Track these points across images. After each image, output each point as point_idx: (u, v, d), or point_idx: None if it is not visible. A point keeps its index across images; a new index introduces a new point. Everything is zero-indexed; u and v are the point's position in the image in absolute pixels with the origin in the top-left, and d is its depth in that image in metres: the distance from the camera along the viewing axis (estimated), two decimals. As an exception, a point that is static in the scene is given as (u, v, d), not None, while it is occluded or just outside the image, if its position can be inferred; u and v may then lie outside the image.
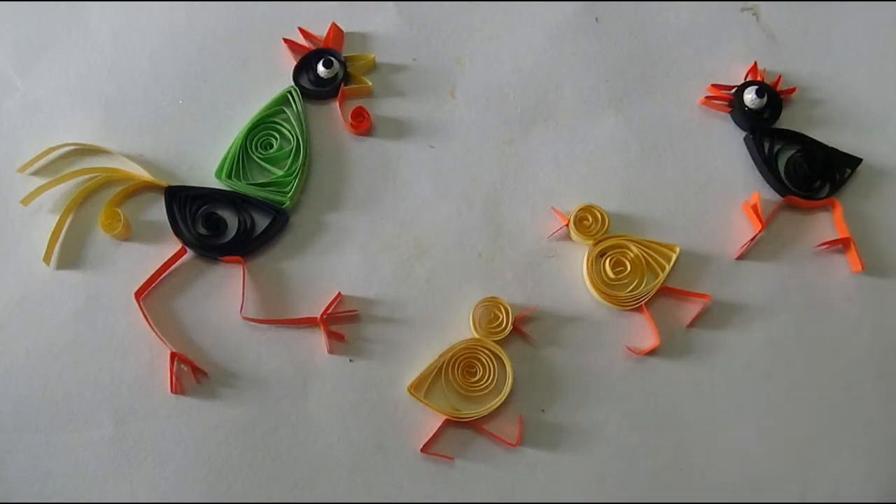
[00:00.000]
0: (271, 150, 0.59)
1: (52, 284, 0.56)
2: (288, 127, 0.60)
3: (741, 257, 0.58)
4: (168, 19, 0.64)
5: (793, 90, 0.62)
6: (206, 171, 0.59)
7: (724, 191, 0.60)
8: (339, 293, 0.56)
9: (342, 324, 0.55)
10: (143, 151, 0.59)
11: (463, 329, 0.56)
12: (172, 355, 0.53)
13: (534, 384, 0.55)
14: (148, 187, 0.58)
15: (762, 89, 0.60)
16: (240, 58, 0.63)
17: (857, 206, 0.60)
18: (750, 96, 0.60)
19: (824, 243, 0.58)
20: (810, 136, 0.61)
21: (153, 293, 0.56)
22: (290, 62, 0.62)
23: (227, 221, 0.57)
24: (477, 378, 0.54)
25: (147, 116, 0.61)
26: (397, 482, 0.52)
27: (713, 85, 0.62)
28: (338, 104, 0.61)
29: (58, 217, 0.56)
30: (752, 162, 0.61)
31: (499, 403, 0.53)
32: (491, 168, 0.60)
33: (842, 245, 0.58)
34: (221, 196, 0.58)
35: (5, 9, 0.64)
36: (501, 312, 0.55)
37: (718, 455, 0.54)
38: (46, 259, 0.56)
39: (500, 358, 0.54)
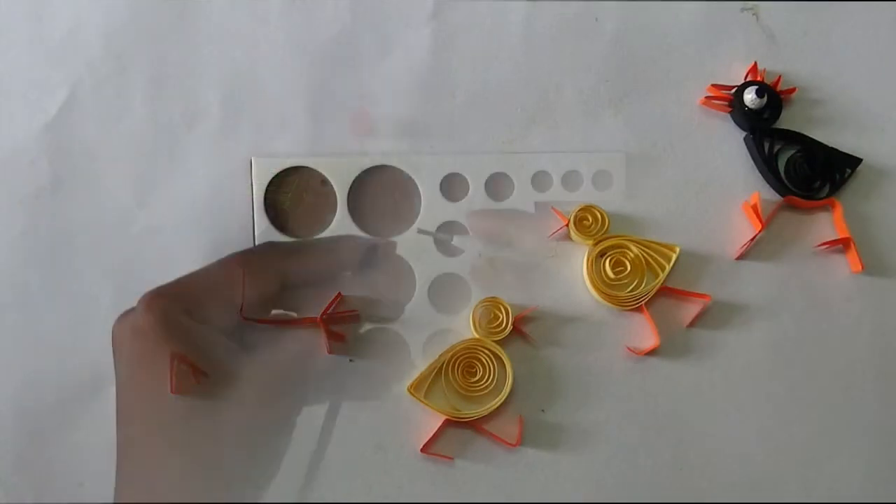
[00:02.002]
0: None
1: (52, 284, 0.56)
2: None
3: (741, 257, 0.58)
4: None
5: (793, 90, 0.62)
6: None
7: (724, 191, 0.60)
8: (339, 293, 0.56)
9: (342, 324, 0.55)
10: None
11: (463, 329, 0.56)
12: (172, 355, 0.53)
13: (534, 384, 0.55)
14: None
15: (762, 89, 0.60)
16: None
17: (857, 206, 0.60)
18: (750, 96, 0.60)
19: (824, 243, 0.58)
20: (810, 136, 0.61)
21: (153, 293, 0.56)
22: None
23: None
24: (477, 378, 0.54)
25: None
26: (397, 482, 0.52)
27: (713, 85, 0.62)
28: (338, 104, 0.61)
29: (58, 217, 0.56)
30: (752, 162, 0.60)
31: (499, 403, 0.53)
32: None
33: (842, 245, 0.58)
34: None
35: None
36: (501, 312, 0.55)
37: (718, 455, 0.54)
38: (46, 259, 0.56)
39: (500, 358, 0.54)
